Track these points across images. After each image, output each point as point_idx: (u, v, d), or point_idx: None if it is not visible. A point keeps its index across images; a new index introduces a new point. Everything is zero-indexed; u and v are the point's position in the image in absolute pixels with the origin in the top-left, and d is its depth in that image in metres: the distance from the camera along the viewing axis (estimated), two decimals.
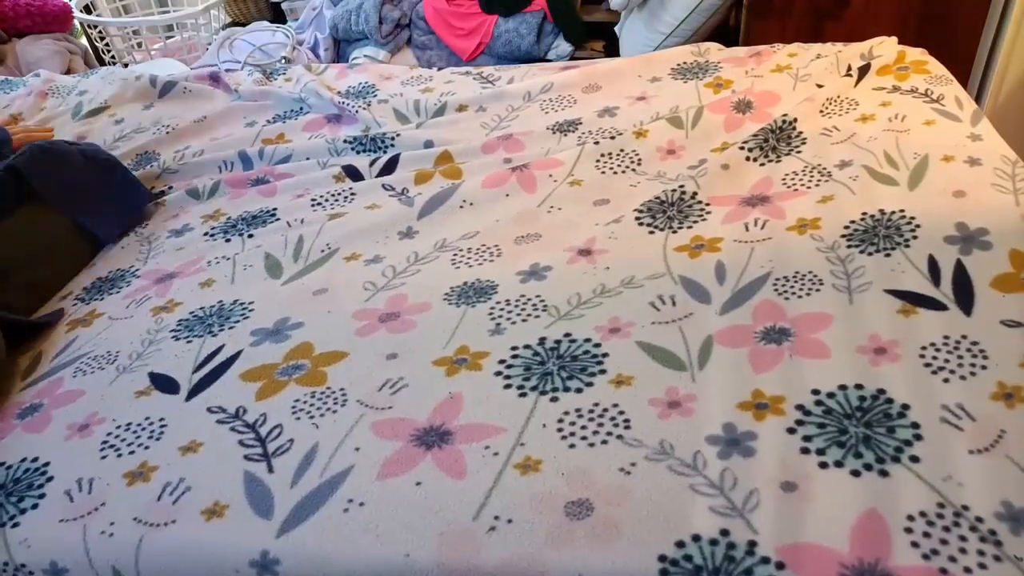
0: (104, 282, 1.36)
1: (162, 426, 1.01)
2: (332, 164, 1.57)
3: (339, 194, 1.48)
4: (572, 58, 2.92)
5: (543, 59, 2.94)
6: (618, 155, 1.45)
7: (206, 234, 1.42)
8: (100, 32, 3.36)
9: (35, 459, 1.00)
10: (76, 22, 3.27)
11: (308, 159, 1.62)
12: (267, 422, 0.98)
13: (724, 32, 2.62)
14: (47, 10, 3.09)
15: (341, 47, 3.19)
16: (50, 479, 0.97)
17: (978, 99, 2.04)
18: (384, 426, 0.95)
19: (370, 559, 0.82)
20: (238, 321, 1.16)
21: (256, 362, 1.08)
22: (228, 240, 1.40)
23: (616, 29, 2.76)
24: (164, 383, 1.07)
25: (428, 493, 0.86)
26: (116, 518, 0.90)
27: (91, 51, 3.32)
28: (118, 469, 0.96)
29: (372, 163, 1.56)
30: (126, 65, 3.51)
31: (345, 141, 1.63)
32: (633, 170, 1.42)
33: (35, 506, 0.94)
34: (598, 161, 1.44)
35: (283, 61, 2.99)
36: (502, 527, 0.82)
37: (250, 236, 1.39)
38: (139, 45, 3.32)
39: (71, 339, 1.23)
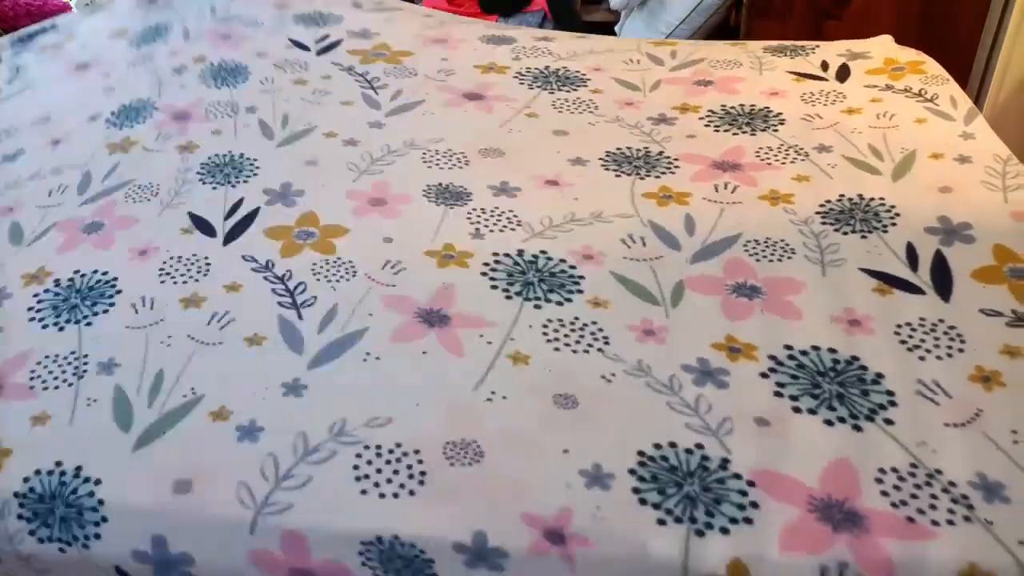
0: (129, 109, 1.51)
1: (207, 264, 1.14)
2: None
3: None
4: None
5: None
6: (575, 102, 1.47)
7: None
8: None
9: (105, 272, 1.14)
10: None
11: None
12: (293, 278, 1.10)
13: (724, 32, 2.61)
14: (47, 10, 3.05)
15: None
16: (119, 291, 1.10)
17: (978, 100, 2.03)
18: (392, 300, 1.05)
19: (386, 403, 0.91)
20: (249, 177, 1.30)
21: (274, 222, 1.21)
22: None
23: (616, 29, 2.76)
24: (203, 225, 1.21)
25: (433, 361, 0.96)
26: (174, 333, 1.02)
27: None
28: (175, 294, 1.09)
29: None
30: None
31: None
32: (591, 112, 1.44)
33: (106, 311, 1.07)
34: (554, 105, 1.46)
35: None
36: (498, 401, 0.90)
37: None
38: None
39: (115, 163, 1.36)
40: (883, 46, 1.60)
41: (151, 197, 1.28)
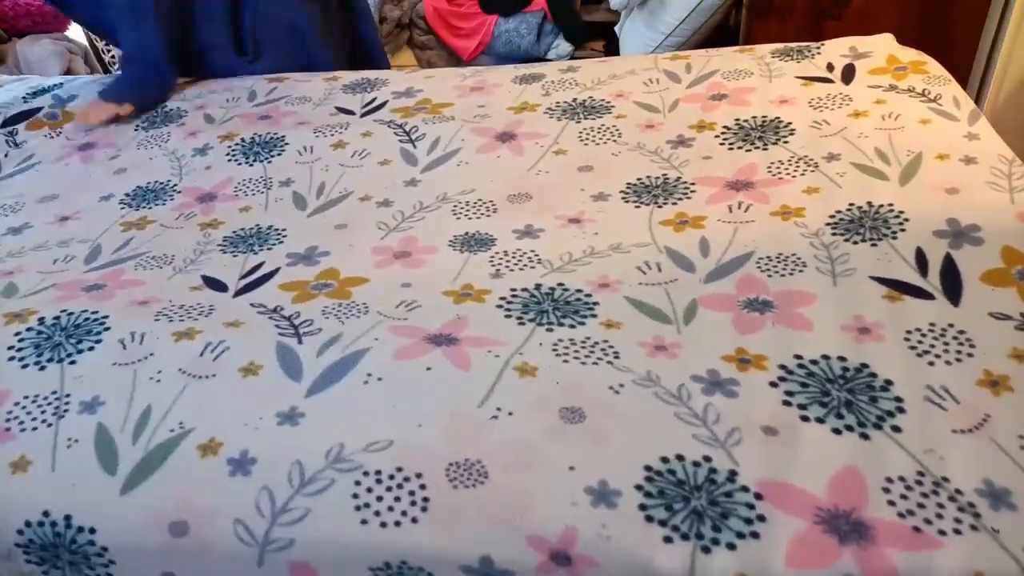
0: (146, 191, 1.49)
1: (211, 309, 1.13)
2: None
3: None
4: (572, 58, 2.92)
5: (543, 59, 2.95)
6: (599, 130, 1.49)
7: None
8: None
9: (95, 312, 1.12)
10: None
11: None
12: (300, 317, 1.10)
13: (724, 32, 2.62)
14: (47, 10, 3.05)
15: None
16: (107, 329, 1.08)
17: (978, 99, 2.04)
18: (400, 329, 1.05)
19: (386, 425, 0.90)
20: (274, 245, 1.29)
21: (292, 278, 1.21)
22: None
23: (616, 29, 2.76)
24: (215, 284, 1.20)
25: (437, 378, 0.96)
26: (164, 367, 1.01)
27: (91, 51, 3.30)
28: (168, 330, 1.07)
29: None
30: None
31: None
32: (614, 141, 1.46)
33: (91, 348, 1.06)
34: (580, 136, 1.48)
35: None
36: (504, 417, 0.90)
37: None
38: None
39: (128, 238, 1.35)
40: (885, 44, 1.59)
41: (163, 265, 1.26)
